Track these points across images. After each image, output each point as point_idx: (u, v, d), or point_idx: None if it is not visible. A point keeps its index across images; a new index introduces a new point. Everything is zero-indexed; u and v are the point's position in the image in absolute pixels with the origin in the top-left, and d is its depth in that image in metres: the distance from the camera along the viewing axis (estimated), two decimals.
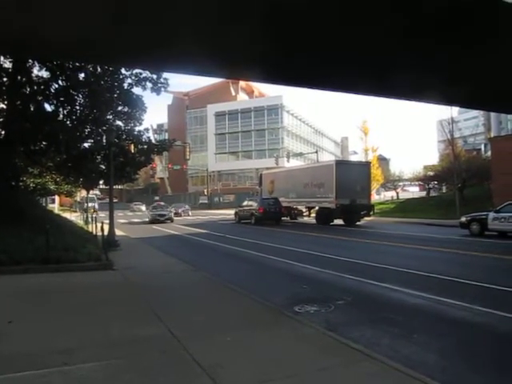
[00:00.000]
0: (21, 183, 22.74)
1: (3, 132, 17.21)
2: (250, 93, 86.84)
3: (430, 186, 48.64)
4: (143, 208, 61.77)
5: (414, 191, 61.89)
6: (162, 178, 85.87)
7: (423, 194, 52.80)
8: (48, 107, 18.09)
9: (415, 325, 6.75)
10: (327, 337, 5.79)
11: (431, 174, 46.06)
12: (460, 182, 34.08)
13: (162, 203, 41.79)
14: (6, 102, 17.32)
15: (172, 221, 34.86)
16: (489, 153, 37.99)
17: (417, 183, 58.83)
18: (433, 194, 48.40)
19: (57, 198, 47.25)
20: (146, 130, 22.07)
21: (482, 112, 58.09)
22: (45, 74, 17.52)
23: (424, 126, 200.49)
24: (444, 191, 46.77)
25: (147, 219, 36.36)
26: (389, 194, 57.90)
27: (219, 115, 77.61)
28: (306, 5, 2.87)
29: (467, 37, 4.09)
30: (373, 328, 6.59)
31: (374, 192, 45.78)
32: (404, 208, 38.87)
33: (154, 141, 23.11)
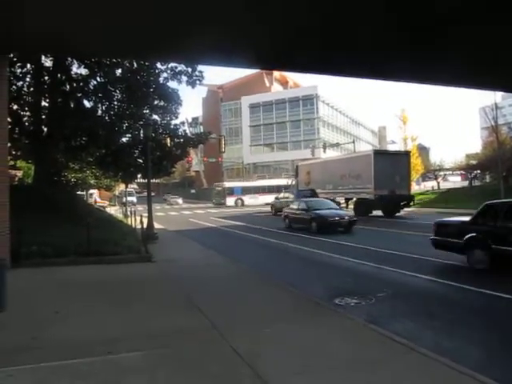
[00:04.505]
0: (62, 178, 23.58)
1: (45, 129, 17.83)
2: (284, 83, 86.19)
3: (473, 175, 47.12)
4: (180, 201, 62.75)
5: (455, 181, 60.04)
6: (197, 171, 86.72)
7: (465, 183, 51.19)
8: (87, 103, 18.71)
9: (460, 318, 6.59)
10: (368, 329, 5.74)
11: (474, 162, 44.61)
12: (504, 170, 32.82)
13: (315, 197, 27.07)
14: (47, 100, 17.95)
15: (350, 229, 19.13)
16: None
17: (459, 173, 57.05)
18: (476, 183, 46.87)
19: (96, 192, 48.69)
20: (182, 123, 22.30)
21: None
22: (83, 71, 18.08)
23: (465, 113, 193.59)
24: (488, 181, 45.16)
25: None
26: (429, 184, 56.49)
27: (253, 107, 77.53)
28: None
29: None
30: (415, 321, 6.48)
31: (413, 182, 44.76)
32: (445, 198, 37.81)
33: (189, 134, 23.36)
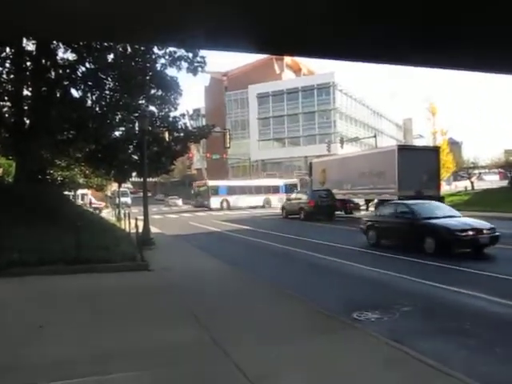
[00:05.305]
0: (47, 176, 23.64)
1: (27, 121, 17.84)
2: (296, 71, 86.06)
3: None
4: (179, 202, 62.73)
5: (492, 180, 59.46)
6: (199, 169, 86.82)
7: (504, 183, 50.76)
8: (75, 93, 18.67)
9: (496, 337, 6.51)
10: (390, 348, 5.69)
11: None
12: None
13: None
14: (30, 89, 17.96)
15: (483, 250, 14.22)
16: None
17: (496, 171, 56.56)
18: None
19: (89, 192, 48.86)
20: (182, 115, 22.19)
21: None
22: (70, 56, 18.02)
23: (503, 103, 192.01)
24: None
25: None
26: (461, 184, 55.97)
27: (262, 97, 77.48)
28: None
29: None
30: (445, 340, 6.41)
31: (443, 182, 44.46)
32: (481, 200, 37.46)
33: (190, 127, 23.34)
